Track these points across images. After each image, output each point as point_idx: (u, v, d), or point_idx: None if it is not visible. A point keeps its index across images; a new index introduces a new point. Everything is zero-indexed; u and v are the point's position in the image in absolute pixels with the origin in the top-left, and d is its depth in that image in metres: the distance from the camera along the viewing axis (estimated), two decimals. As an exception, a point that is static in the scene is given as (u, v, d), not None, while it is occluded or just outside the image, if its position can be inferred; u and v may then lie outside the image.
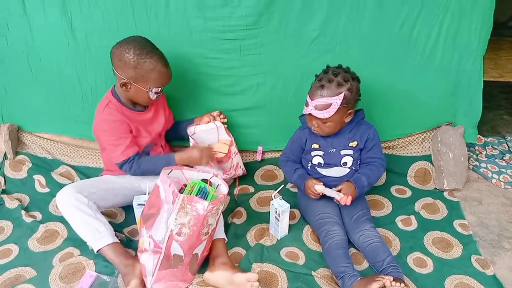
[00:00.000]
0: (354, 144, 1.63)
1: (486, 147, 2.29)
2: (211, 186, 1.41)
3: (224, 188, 1.41)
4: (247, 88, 1.90)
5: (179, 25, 1.75)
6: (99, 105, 1.62)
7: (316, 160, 1.65)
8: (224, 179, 1.43)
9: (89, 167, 2.01)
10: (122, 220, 1.76)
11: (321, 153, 1.64)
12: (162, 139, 1.83)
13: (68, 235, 1.63)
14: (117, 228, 1.62)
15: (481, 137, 2.34)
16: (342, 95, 1.46)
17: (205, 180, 1.42)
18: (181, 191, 1.37)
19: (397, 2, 1.70)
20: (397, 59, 1.83)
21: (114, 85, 1.64)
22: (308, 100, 1.52)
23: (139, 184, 1.70)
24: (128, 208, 1.75)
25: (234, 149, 1.85)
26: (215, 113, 1.84)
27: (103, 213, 1.53)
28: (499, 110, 2.84)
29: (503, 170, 2.06)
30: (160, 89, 1.59)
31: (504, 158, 2.19)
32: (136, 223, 1.65)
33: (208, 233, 1.35)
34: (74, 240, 1.58)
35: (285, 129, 1.86)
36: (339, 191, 1.52)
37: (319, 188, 1.56)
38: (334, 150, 1.63)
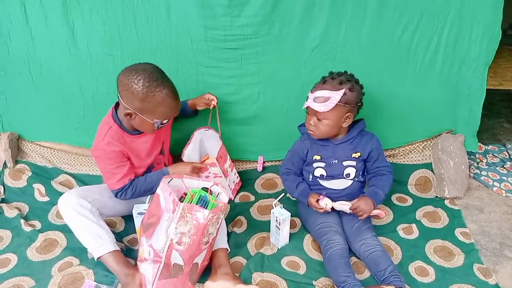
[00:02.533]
0: (357, 155, 1.62)
1: (487, 155, 2.29)
2: (211, 194, 1.41)
3: (224, 197, 1.40)
4: (247, 96, 1.91)
5: (180, 34, 1.76)
6: (100, 128, 1.55)
7: (318, 172, 1.63)
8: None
9: (89, 175, 2.01)
10: (122, 229, 1.75)
11: (323, 164, 1.63)
12: (166, 157, 1.79)
13: (68, 244, 1.62)
14: (117, 237, 1.60)
15: (482, 145, 2.34)
16: (342, 91, 1.46)
17: (205, 189, 1.41)
18: (181, 199, 1.37)
19: (397, 10, 1.71)
20: (397, 67, 1.84)
21: (116, 104, 1.56)
22: (309, 94, 1.53)
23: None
24: (128, 217, 1.74)
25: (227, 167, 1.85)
26: (207, 96, 1.77)
27: (103, 222, 1.52)
28: (499, 118, 2.84)
29: (504, 178, 2.06)
30: (167, 120, 1.53)
31: (505, 166, 2.18)
32: (136, 232, 1.64)
33: (208, 242, 1.35)
34: (74, 250, 1.57)
35: (286, 138, 1.86)
36: (355, 208, 1.51)
37: (325, 204, 1.53)
38: (336, 161, 1.61)
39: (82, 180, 1.99)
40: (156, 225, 1.33)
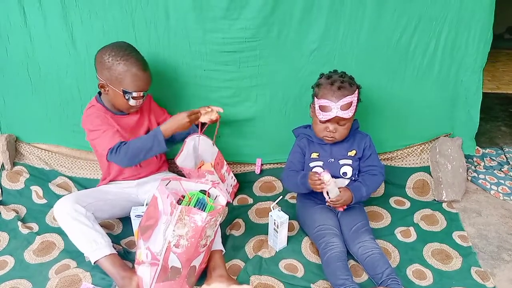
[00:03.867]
0: (352, 153, 1.64)
1: (484, 158, 2.29)
2: (209, 197, 1.41)
3: (222, 199, 1.40)
4: (246, 99, 1.91)
5: (178, 37, 1.76)
6: (84, 110, 1.65)
7: (317, 170, 1.64)
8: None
9: (86, 178, 2.00)
10: (120, 231, 1.74)
11: (320, 163, 1.64)
12: None
13: (65, 246, 1.61)
14: (114, 240, 1.61)
15: (479, 148, 2.34)
16: (357, 92, 1.53)
17: (203, 191, 1.41)
18: (179, 202, 1.36)
19: (395, 13, 1.72)
20: (396, 70, 1.85)
21: (99, 92, 1.66)
22: (329, 104, 1.49)
23: (137, 195, 1.69)
24: (125, 220, 1.74)
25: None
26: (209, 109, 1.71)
27: (101, 224, 1.52)
28: (497, 122, 2.85)
29: (502, 181, 2.06)
30: (139, 94, 1.56)
31: (502, 169, 2.19)
32: (133, 235, 1.64)
33: (206, 245, 1.34)
34: (71, 252, 1.56)
35: (284, 141, 1.87)
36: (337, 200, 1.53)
37: (327, 177, 1.48)
38: (333, 160, 1.63)
39: (80, 182, 1.98)
40: (154, 228, 1.32)
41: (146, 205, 1.42)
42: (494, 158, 2.31)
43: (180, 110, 1.88)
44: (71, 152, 2.05)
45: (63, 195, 1.70)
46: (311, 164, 1.65)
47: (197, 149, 1.80)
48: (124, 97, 1.55)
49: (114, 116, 1.63)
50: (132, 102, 1.57)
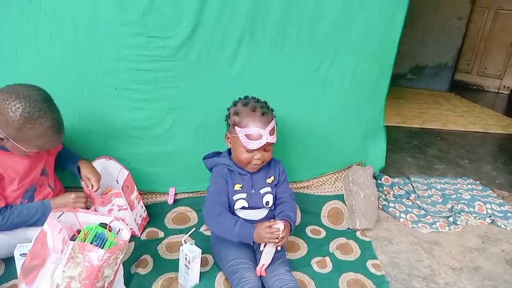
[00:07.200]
0: (271, 180, 1.58)
1: (393, 187, 2.42)
2: (110, 231, 1.24)
3: (126, 234, 1.24)
4: (161, 122, 1.78)
5: (88, 51, 1.60)
6: None
7: (240, 203, 1.54)
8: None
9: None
10: (1, 273, 1.47)
11: (244, 195, 1.54)
12: (51, 178, 1.57)
13: None
14: (-8, 284, 1.34)
15: (389, 177, 2.47)
16: (273, 116, 1.50)
17: (103, 225, 1.24)
18: (73, 238, 1.18)
19: (312, 45, 1.76)
20: (314, 99, 1.88)
21: None
22: (258, 131, 1.42)
23: (25, 231, 1.45)
24: (9, 260, 1.47)
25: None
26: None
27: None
28: (403, 153, 3.06)
29: (409, 209, 2.17)
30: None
31: (410, 197, 2.32)
32: (18, 277, 1.38)
33: (104, 287, 1.16)
34: None
35: (201, 168, 1.72)
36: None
37: (282, 226, 1.38)
38: (253, 191, 1.55)
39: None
40: (40, 268, 1.12)
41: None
42: (402, 187, 2.45)
43: (87, 132, 1.73)
44: None
45: None
46: (235, 197, 1.53)
47: (104, 174, 1.62)
48: (27, 153, 1.34)
49: (2, 152, 1.36)
50: (33, 154, 1.37)
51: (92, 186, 1.52)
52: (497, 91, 5.75)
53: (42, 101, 1.27)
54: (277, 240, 1.38)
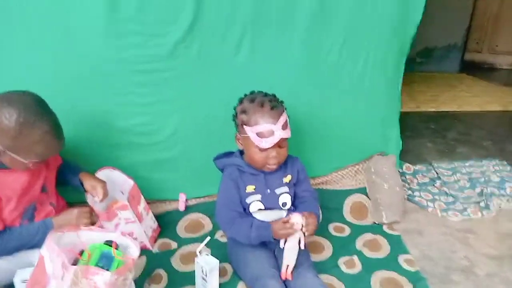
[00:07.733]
0: (288, 179, 1.46)
1: (416, 175, 2.28)
2: (117, 249, 1.12)
3: (134, 250, 1.13)
4: (164, 126, 1.67)
5: (81, 53, 1.49)
6: None
7: (255, 206, 1.42)
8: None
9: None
10: (3, 302, 1.37)
11: (258, 197, 1.42)
12: (52, 195, 1.46)
13: None
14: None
15: (410, 165, 2.33)
16: (284, 108, 1.38)
17: (109, 243, 1.12)
18: (76, 261, 1.06)
19: (324, 29, 1.66)
20: (326, 88, 1.77)
21: None
22: (270, 127, 1.30)
23: (26, 255, 1.34)
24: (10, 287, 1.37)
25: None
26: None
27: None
28: (422, 139, 2.92)
29: (437, 197, 2.04)
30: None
31: (435, 185, 2.18)
32: (21, 305, 1.27)
33: (114, 311, 1.05)
34: None
35: (211, 172, 1.60)
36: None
37: (298, 220, 1.30)
38: (269, 191, 1.43)
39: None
40: (42, 297, 1.01)
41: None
42: (425, 174, 2.31)
43: (86, 141, 1.62)
44: None
45: None
46: (248, 200, 1.42)
47: (109, 186, 1.50)
48: (28, 164, 1.23)
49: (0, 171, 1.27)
50: (34, 166, 1.27)
51: (99, 194, 1.41)
52: (510, 67, 5.58)
53: (35, 105, 1.19)
54: (294, 231, 1.30)
